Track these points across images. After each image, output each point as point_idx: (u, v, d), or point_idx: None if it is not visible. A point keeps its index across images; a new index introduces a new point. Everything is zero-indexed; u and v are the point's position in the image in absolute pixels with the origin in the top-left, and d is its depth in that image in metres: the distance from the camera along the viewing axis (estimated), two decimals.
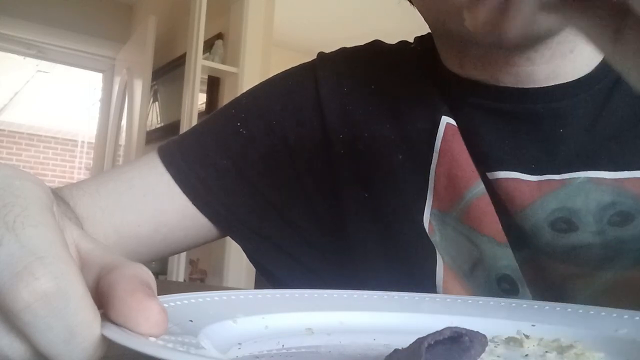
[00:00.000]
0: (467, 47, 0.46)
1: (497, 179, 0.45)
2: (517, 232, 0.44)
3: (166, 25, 3.32)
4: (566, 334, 0.29)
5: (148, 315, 0.21)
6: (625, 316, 0.30)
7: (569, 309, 0.33)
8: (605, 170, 0.42)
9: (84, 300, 0.20)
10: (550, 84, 0.45)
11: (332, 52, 0.58)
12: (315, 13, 3.85)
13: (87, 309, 0.21)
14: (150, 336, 0.21)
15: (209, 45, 2.78)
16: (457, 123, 0.48)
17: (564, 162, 0.44)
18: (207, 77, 2.85)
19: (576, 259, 0.42)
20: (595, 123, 0.44)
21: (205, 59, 2.68)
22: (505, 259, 0.43)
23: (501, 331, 0.30)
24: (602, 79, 0.45)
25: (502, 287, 0.44)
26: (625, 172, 0.42)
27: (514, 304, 0.35)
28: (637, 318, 0.30)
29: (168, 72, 3.24)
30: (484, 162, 0.46)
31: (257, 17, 2.73)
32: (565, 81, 0.45)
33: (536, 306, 0.34)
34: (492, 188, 0.45)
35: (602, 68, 0.45)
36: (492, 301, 0.36)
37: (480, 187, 0.46)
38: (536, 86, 0.45)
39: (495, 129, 0.47)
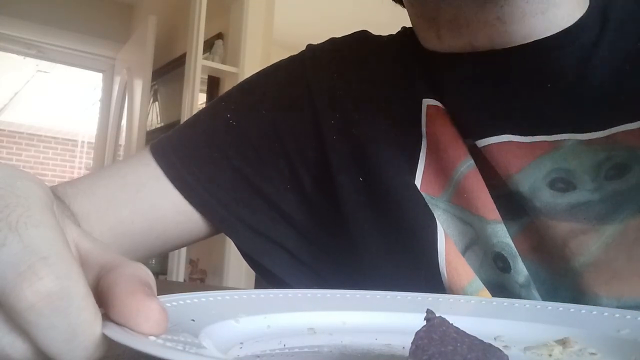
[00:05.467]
0: (440, 12, 0.46)
1: (489, 146, 0.44)
2: (513, 199, 0.44)
3: (166, 25, 3.32)
4: (567, 334, 0.29)
5: (148, 315, 0.21)
6: (628, 316, 0.30)
7: (572, 309, 0.33)
8: (595, 130, 0.42)
9: (86, 300, 0.21)
10: (527, 42, 0.44)
11: (320, 43, 0.58)
12: (315, 13, 3.85)
13: (89, 308, 0.21)
14: (151, 336, 0.21)
15: (209, 45, 2.78)
16: (441, 101, 0.48)
17: (553, 121, 0.43)
18: (207, 77, 2.85)
19: (577, 216, 0.41)
20: (580, 79, 0.44)
21: (205, 59, 2.69)
22: (495, 236, 0.43)
23: (503, 331, 0.30)
24: (582, 35, 0.44)
25: (498, 265, 0.43)
26: (616, 127, 0.42)
27: (516, 304, 0.35)
28: None
29: (168, 72, 3.24)
30: (473, 132, 0.46)
31: (257, 17, 2.74)
32: (541, 37, 0.44)
33: (539, 306, 0.34)
34: (484, 157, 0.45)
35: (581, 25, 0.45)
36: (495, 301, 0.36)
37: (468, 162, 0.45)
38: (513, 45, 0.45)
39: (479, 96, 0.46)
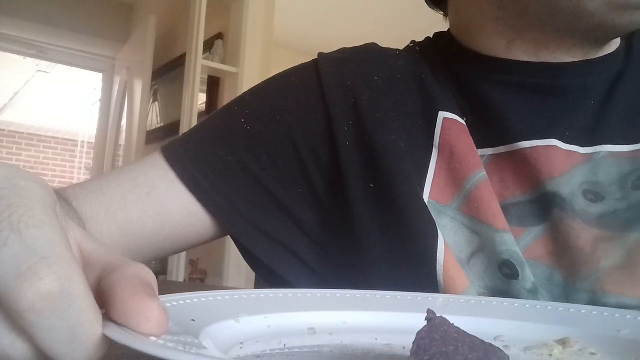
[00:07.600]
0: (544, 35, 0.49)
1: (536, 147, 0.47)
2: (552, 199, 0.46)
3: (166, 25, 3.32)
4: (567, 334, 0.29)
5: (149, 315, 0.21)
6: (628, 316, 0.30)
7: (572, 309, 0.33)
8: (623, 144, 0.47)
9: (86, 301, 0.21)
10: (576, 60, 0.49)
11: (332, 52, 0.59)
12: (315, 13, 3.86)
13: (89, 309, 0.21)
14: (152, 336, 0.21)
15: (209, 45, 2.78)
16: (487, 100, 0.51)
17: (588, 133, 0.48)
18: (207, 77, 2.85)
19: (606, 224, 0.45)
20: (611, 98, 0.50)
21: (205, 59, 2.68)
22: (503, 244, 0.45)
23: (503, 331, 0.30)
24: (616, 62, 0.51)
25: (503, 272, 0.45)
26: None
27: (516, 304, 0.35)
28: None
29: (168, 72, 3.24)
30: (519, 133, 0.49)
31: (257, 17, 2.74)
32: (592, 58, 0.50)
33: (539, 306, 0.34)
34: (526, 157, 0.48)
35: (616, 54, 0.52)
36: (495, 301, 0.36)
37: (481, 174, 0.47)
38: (563, 62, 0.49)
39: (530, 101, 0.50)
